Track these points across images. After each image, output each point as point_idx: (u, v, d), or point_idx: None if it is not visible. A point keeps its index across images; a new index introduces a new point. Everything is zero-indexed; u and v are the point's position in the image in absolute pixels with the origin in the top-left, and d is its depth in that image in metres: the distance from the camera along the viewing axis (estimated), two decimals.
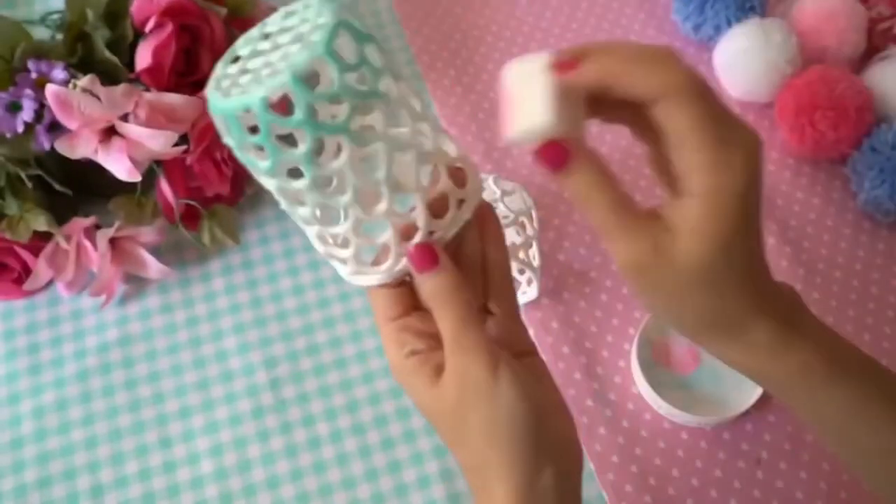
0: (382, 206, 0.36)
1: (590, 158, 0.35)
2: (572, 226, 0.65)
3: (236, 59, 0.36)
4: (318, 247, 0.39)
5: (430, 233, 0.37)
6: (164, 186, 0.60)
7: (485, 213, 0.40)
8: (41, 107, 0.56)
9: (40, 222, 0.58)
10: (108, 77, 0.58)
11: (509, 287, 0.41)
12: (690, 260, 0.34)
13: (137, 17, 0.59)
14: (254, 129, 0.33)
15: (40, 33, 0.65)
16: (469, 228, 0.39)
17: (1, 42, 0.58)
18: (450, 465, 0.56)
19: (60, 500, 0.55)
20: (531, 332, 0.61)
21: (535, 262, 0.59)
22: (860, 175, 0.64)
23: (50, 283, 0.62)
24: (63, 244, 0.59)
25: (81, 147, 0.56)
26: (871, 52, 0.70)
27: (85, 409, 0.58)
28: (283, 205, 0.37)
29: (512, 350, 0.39)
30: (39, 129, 0.56)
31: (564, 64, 0.34)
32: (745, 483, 0.56)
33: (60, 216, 0.60)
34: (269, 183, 0.36)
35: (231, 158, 0.62)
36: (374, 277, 0.38)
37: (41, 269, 0.60)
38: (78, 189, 0.61)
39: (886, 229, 0.66)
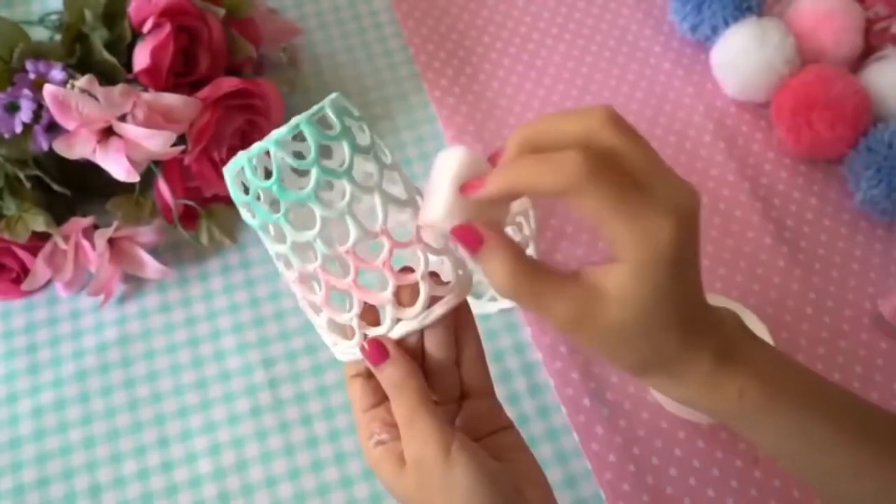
0: (348, 279, 0.38)
1: (501, 242, 0.36)
2: (570, 226, 0.65)
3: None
4: (304, 308, 0.42)
5: (397, 320, 0.39)
6: (163, 186, 0.60)
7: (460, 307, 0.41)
8: (39, 107, 0.56)
9: (38, 222, 0.58)
10: (106, 77, 0.58)
11: (482, 367, 0.42)
12: (621, 322, 0.35)
13: (135, 17, 0.59)
14: (247, 190, 0.38)
15: (38, 34, 0.65)
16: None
17: None
18: None
19: (59, 500, 0.55)
20: (528, 331, 0.61)
21: None
22: (857, 175, 0.64)
23: (48, 282, 0.62)
24: (61, 244, 0.59)
25: (79, 147, 0.56)
26: (868, 51, 0.70)
27: (83, 408, 0.59)
28: (280, 269, 0.40)
29: (486, 427, 0.41)
30: (37, 129, 0.56)
31: (468, 186, 0.36)
32: (742, 482, 0.56)
33: (59, 216, 0.60)
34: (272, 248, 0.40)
35: (229, 158, 0.62)
36: (343, 349, 0.40)
37: (39, 268, 0.61)
38: (76, 189, 0.61)
39: (883, 229, 0.66)
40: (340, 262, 0.40)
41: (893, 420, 0.38)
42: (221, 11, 0.62)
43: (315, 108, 0.38)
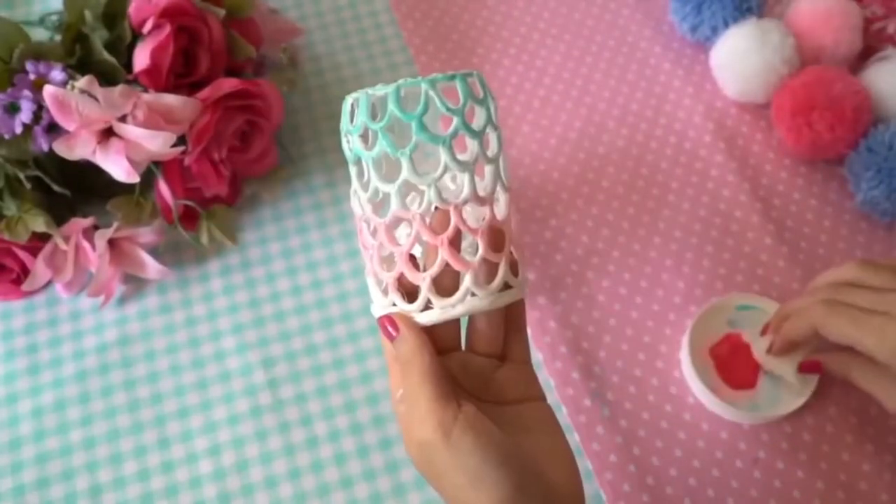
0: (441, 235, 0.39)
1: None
2: (570, 226, 0.65)
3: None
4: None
5: (472, 293, 0.39)
6: (163, 187, 0.60)
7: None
8: (39, 108, 0.56)
9: (39, 223, 0.58)
10: (107, 78, 0.58)
11: (523, 335, 0.44)
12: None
13: (135, 18, 0.59)
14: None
15: (38, 34, 0.65)
16: None
17: None
18: None
19: (59, 501, 0.55)
20: (528, 332, 0.61)
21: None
22: (857, 176, 0.64)
23: (48, 283, 0.62)
24: (61, 245, 0.59)
25: (80, 148, 0.56)
26: (867, 51, 0.70)
27: (83, 409, 0.59)
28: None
29: (515, 394, 0.42)
30: (38, 130, 0.56)
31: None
32: (742, 482, 0.56)
33: (59, 217, 0.60)
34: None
35: (229, 159, 0.62)
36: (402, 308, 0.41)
37: (40, 269, 0.61)
38: (76, 190, 0.61)
39: (883, 230, 0.66)
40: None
41: None
42: (222, 12, 0.62)
43: (467, 71, 0.39)
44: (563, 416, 0.58)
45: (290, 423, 0.58)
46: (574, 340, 0.61)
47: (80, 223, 0.60)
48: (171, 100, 0.57)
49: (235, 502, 0.55)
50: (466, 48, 0.75)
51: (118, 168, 0.56)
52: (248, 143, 0.64)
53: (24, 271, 0.61)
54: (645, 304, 0.62)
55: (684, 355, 0.59)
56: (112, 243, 0.61)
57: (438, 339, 0.41)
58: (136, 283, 0.63)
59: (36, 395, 0.59)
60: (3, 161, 0.58)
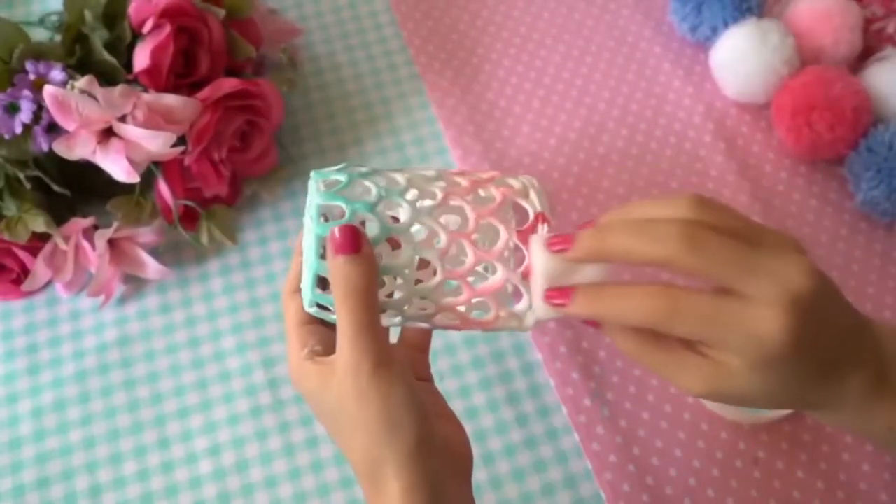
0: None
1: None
2: (570, 227, 0.65)
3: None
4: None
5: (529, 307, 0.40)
6: (163, 187, 0.60)
7: None
8: (39, 108, 0.56)
9: (39, 223, 0.58)
10: (106, 78, 0.58)
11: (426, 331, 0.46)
12: (753, 394, 0.35)
13: (135, 18, 0.59)
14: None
15: (38, 34, 0.65)
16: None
17: None
18: None
19: (58, 501, 0.55)
20: (528, 332, 0.61)
21: None
22: (857, 176, 0.64)
23: (48, 283, 0.62)
24: (61, 245, 0.59)
25: (79, 148, 0.56)
26: (867, 51, 0.70)
27: (83, 409, 0.59)
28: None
29: (418, 375, 0.44)
30: (37, 130, 0.56)
31: (554, 242, 0.39)
32: (742, 482, 0.56)
33: (59, 217, 0.60)
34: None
35: (229, 159, 0.62)
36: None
37: (39, 269, 0.61)
38: (76, 190, 0.61)
39: (883, 230, 0.66)
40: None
41: None
42: (221, 12, 0.62)
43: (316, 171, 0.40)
44: (562, 416, 0.58)
45: (290, 423, 0.58)
46: (574, 340, 0.61)
47: (80, 223, 0.60)
48: (171, 100, 0.57)
49: (235, 502, 0.55)
50: (466, 48, 0.75)
51: (118, 168, 0.56)
52: (248, 143, 0.64)
53: (24, 271, 0.61)
54: None
55: None
56: (112, 243, 0.61)
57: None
58: (136, 283, 0.63)
59: (36, 395, 0.59)
60: (3, 161, 0.58)
